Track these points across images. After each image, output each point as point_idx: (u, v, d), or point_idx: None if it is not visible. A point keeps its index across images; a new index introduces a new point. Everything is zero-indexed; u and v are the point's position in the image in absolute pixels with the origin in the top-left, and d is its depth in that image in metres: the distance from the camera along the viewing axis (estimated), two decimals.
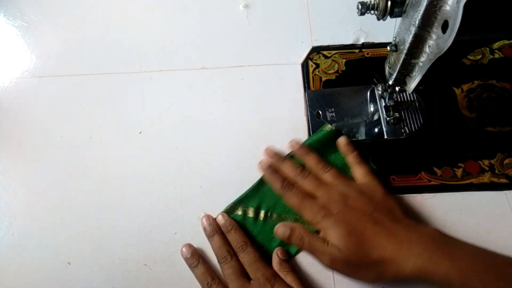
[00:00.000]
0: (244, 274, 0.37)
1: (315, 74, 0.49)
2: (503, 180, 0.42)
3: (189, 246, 0.40)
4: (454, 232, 0.40)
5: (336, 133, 0.44)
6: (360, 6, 0.35)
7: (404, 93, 0.47)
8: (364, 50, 0.50)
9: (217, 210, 0.43)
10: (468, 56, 0.49)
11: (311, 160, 0.42)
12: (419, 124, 0.45)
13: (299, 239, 0.37)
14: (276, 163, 0.43)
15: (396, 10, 0.34)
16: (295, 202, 0.39)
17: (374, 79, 0.46)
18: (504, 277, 0.32)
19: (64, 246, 0.42)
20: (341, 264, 0.35)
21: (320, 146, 0.44)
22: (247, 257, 0.38)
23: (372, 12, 0.35)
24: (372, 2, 0.34)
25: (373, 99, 0.47)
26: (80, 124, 0.48)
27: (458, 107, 0.46)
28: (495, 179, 0.43)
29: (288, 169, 0.42)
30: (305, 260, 0.39)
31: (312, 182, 0.40)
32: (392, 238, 0.34)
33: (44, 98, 0.50)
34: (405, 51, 0.35)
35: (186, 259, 0.40)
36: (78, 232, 0.43)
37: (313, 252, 0.36)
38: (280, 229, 0.38)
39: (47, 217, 0.44)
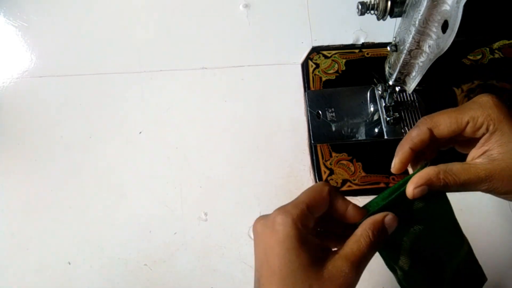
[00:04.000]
0: None
1: (315, 74, 0.49)
2: None
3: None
4: None
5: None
6: (360, 6, 0.35)
7: (404, 93, 0.47)
8: (364, 50, 0.50)
9: (217, 210, 0.43)
10: (468, 56, 0.49)
11: None
12: None
13: (445, 176, 0.27)
14: None
15: (396, 10, 0.34)
16: (452, 112, 0.28)
17: (374, 79, 0.46)
18: None
19: (64, 246, 0.42)
20: (504, 179, 0.26)
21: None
22: None
23: (372, 12, 0.34)
24: (372, 2, 0.34)
25: (373, 99, 0.47)
26: (80, 124, 0.48)
27: None
28: None
29: None
30: None
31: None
32: None
33: (44, 98, 0.50)
34: (405, 51, 0.35)
35: None
36: (78, 232, 0.43)
37: (463, 180, 0.27)
38: (419, 187, 0.27)
39: (47, 217, 0.44)
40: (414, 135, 0.30)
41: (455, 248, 0.30)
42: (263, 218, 0.27)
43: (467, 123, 0.28)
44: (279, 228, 0.25)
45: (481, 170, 0.27)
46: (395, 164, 0.31)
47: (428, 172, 0.28)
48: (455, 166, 0.28)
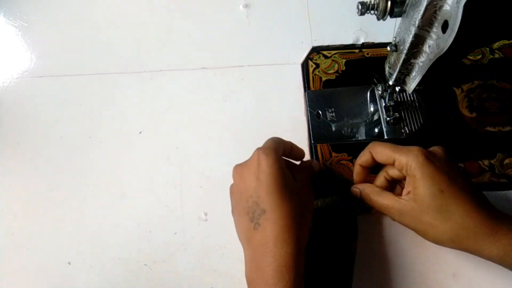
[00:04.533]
0: None
1: (315, 74, 0.49)
2: (503, 180, 0.42)
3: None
4: None
5: None
6: (360, 6, 0.35)
7: (404, 93, 0.47)
8: (364, 50, 0.50)
9: (217, 210, 0.43)
10: (468, 56, 0.49)
11: None
12: (419, 124, 0.45)
13: (367, 197, 0.37)
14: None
15: (396, 10, 0.34)
16: (386, 146, 0.37)
17: (374, 79, 0.46)
18: None
19: (64, 246, 0.42)
20: (411, 218, 0.34)
21: None
22: None
23: (372, 12, 0.34)
24: (372, 2, 0.34)
25: (373, 99, 0.47)
26: (80, 124, 0.48)
27: (458, 107, 0.46)
28: (495, 179, 0.43)
29: None
30: None
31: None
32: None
33: (44, 98, 0.50)
34: (405, 51, 0.35)
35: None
36: (78, 232, 0.43)
37: (380, 207, 0.36)
38: (353, 190, 0.39)
39: (47, 217, 0.44)
40: (361, 156, 0.39)
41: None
42: (241, 164, 0.36)
43: (394, 161, 0.35)
44: (264, 163, 0.33)
45: (397, 203, 0.35)
46: (354, 177, 0.41)
47: (365, 186, 0.38)
48: (384, 194, 0.36)
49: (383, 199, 0.36)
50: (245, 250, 0.34)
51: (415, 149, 0.34)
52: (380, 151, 0.37)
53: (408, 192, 0.34)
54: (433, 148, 0.36)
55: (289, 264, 0.31)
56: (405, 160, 0.34)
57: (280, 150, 0.36)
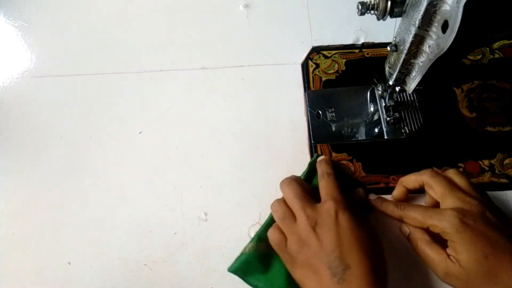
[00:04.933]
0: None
1: (315, 74, 0.49)
2: (503, 180, 0.42)
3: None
4: None
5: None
6: (360, 6, 0.35)
7: (404, 93, 0.47)
8: (364, 50, 0.50)
9: (217, 210, 0.43)
10: (468, 56, 0.49)
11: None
12: (419, 124, 0.45)
13: (414, 242, 0.36)
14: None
15: (396, 10, 0.34)
16: (418, 212, 0.36)
17: (374, 79, 0.46)
18: None
19: (64, 246, 0.42)
20: (457, 281, 0.33)
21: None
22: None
23: (372, 12, 0.34)
24: (372, 2, 0.34)
25: (373, 99, 0.47)
26: (80, 124, 0.48)
27: (458, 107, 0.46)
28: (495, 179, 0.43)
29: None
30: None
31: (442, 184, 0.36)
32: None
33: (44, 98, 0.50)
34: (405, 51, 0.35)
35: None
36: (78, 232, 0.43)
37: (425, 259, 0.35)
38: (402, 229, 0.38)
39: (47, 217, 0.44)
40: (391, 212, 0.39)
41: None
42: (317, 218, 0.36)
43: (428, 227, 0.35)
44: (342, 218, 0.35)
45: (444, 263, 0.33)
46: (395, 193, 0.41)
47: (416, 231, 0.37)
48: (433, 247, 0.35)
49: (431, 252, 0.34)
50: None
51: (448, 213, 0.33)
52: (412, 218, 0.36)
53: (452, 255, 0.33)
54: (465, 200, 0.34)
55: None
56: (440, 226, 0.33)
57: (341, 189, 0.38)
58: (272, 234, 0.37)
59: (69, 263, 0.41)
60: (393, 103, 0.44)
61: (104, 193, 0.44)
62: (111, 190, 0.45)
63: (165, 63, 0.51)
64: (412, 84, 0.38)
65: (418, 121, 0.45)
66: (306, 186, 0.40)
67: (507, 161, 0.43)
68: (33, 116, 0.49)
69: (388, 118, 0.45)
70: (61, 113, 0.49)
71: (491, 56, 0.49)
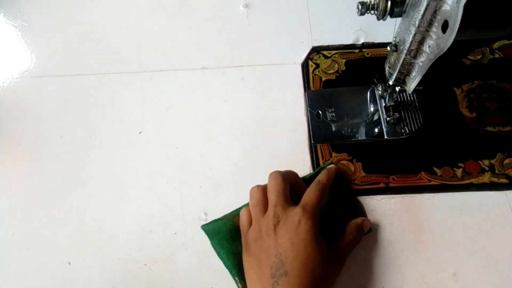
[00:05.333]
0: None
1: (315, 74, 0.49)
2: (503, 180, 0.42)
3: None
4: (454, 232, 0.40)
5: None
6: (360, 6, 0.35)
7: (404, 93, 0.47)
8: (364, 50, 0.50)
9: (217, 210, 0.43)
10: (468, 56, 0.49)
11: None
12: (419, 124, 0.45)
13: None
14: None
15: (396, 10, 0.34)
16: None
17: (374, 79, 0.46)
18: None
19: (64, 246, 0.42)
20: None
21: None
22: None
23: (372, 12, 0.34)
24: (372, 2, 0.34)
25: (373, 99, 0.47)
26: (80, 124, 0.48)
27: (458, 107, 0.46)
28: (495, 179, 0.43)
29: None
30: None
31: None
32: None
33: (44, 98, 0.50)
34: (405, 51, 0.35)
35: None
36: (78, 232, 0.43)
37: None
38: None
39: (47, 217, 0.44)
40: None
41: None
42: (281, 218, 0.36)
43: None
44: (302, 228, 0.35)
45: None
46: None
47: None
48: None
49: None
50: None
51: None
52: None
53: None
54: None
55: None
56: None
57: (323, 202, 0.38)
58: (242, 214, 0.40)
59: (69, 263, 0.41)
60: (393, 103, 0.44)
61: (104, 193, 0.44)
62: (111, 190, 0.45)
63: (165, 63, 0.51)
64: (412, 84, 0.38)
65: (418, 121, 0.45)
66: (289, 185, 0.39)
67: (507, 161, 0.43)
68: (33, 116, 0.49)
69: (388, 118, 0.45)
70: (61, 113, 0.49)
71: (491, 56, 0.49)
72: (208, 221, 0.42)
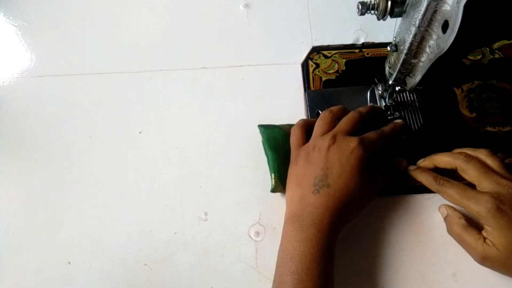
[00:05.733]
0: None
1: (315, 74, 0.49)
2: None
3: None
4: None
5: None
6: (360, 6, 0.35)
7: (404, 93, 0.47)
8: (364, 50, 0.50)
9: (217, 210, 0.43)
10: (468, 56, 0.49)
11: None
12: (419, 124, 0.45)
13: (450, 225, 0.38)
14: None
15: (396, 10, 0.34)
16: (455, 191, 0.37)
17: (375, 79, 0.46)
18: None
19: (64, 246, 0.42)
20: (495, 263, 0.35)
21: None
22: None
23: (372, 12, 0.35)
24: (372, 2, 0.34)
25: (373, 99, 0.47)
26: (80, 124, 0.48)
27: (458, 107, 0.46)
28: None
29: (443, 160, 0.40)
30: None
31: (477, 168, 0.37)
32: None
33: (44, 98, 0.50)
34: (405, 51, 0.35)
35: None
36: (78, 232, 0.43)
37: (462, 243, 0.37)
38: (441, 209, 0.40)
39: (47, 217, 0.44)
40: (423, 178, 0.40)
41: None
42: (338, 141, 0.38)
43: (463, 207, 0.36)
44: (354, 155, 0.37)
45: (482, 248, 0.35)
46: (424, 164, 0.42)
47: (454, 214, 0.38)
48: (470, 231, 0.36)
49: (468, 237, 0.36)
50: (293, 195, 0.39)
51: (485, 198, 0.34)
52: (450, 195, 0.37)
53: (488, 238, 0.34)
54: (501, 182, 0.35)
55: (325, 229, 0.35)
56: (476, 210, 0.35)
57: (379, 147, 0.40)
58: (293, 132, 0.42)
59: (69, 263, 0.41)
60: (393, 103, 0.44)
61: (104, 192, 0.44)
62: (111, 190, 0.45)
63: (165, 63, 0.51)
64: (412, 84, 0.38)
65: (418, 121, 0.45)
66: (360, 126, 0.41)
67: (507, 161, 0.43)
68: (33, 116, 0.49)
69: (388, 118, 0.45)
70: (61, 113, 0.49)
71: (491, 56, 0.49)
72: (208, 220, 0.42)
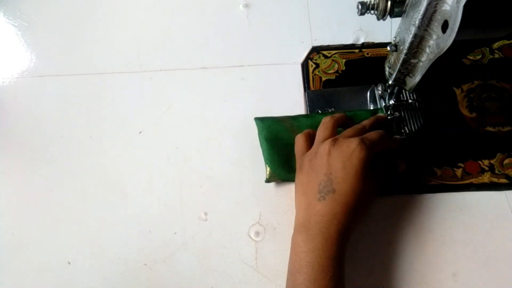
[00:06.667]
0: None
1: (315, 74, 0.49)
2: (503, 180, 0.43)
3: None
4: (454, 232, 0.40)
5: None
6: (360, 6, 0.35)
7: (404, 93, 0.47)
8: (364, 50, 0.50)
9: (217, 210, 0.43)
10: (468, 56, 0.49)
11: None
12: (419, 124, 0.45)
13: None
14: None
15: (396, 10, 0.34)
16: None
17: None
18: None
19: (64, 246, 0.42)
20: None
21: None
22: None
23: (372, 12, 0.35)
24: (372, 2, 0.34)
25: (373, 99, 0.47)
26: (80, 124, 0.48)
27: (458, 107, 0.46)
28: (495, 179, 0.43)
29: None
30: None
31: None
32: None
33: (44, 98, 0.50)
34: (405, 51, 0.35)
35: None
36: (78, 232, 0.43)
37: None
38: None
39: (47, 217, 0.44)
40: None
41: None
42: (338, 142, 0.38)
43: None
44: (356, 156, 0.36)
45: None
46: None
47: None
48: None
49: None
50: (300, 205, 0.38)
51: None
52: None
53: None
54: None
55: (333, 238, 0.35)
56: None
57: (380, 148, 0.39)
58: (298, 140, 0.42)
59: (69, 263, 0.41)
60: (393, 103, 0.44)
61: (104, 193, 0.44)
62: (111, 190, 0.45)
63: (165, 63, 0.51)
64: (412, 84, 0.38)
65: (418, 121, 0.45)
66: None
67: (507, 161, 0.43)
68: (33, 116, 0.49)
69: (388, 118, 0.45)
70: (61, 113, 0.49)
71: (491, 56, 0.49)
72: (208, 220, 0.42)
